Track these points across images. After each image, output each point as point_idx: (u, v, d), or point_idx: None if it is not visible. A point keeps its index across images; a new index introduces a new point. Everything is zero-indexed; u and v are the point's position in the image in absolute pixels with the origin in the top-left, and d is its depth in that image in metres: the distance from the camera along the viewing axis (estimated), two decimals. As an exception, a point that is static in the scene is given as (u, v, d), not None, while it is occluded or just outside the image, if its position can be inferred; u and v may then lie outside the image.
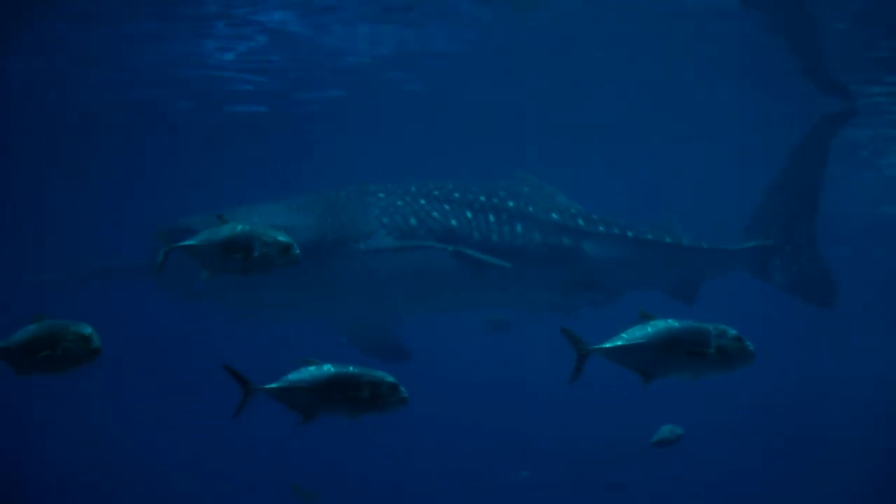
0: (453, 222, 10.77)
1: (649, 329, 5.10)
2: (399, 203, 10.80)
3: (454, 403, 19.37)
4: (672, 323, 5.08)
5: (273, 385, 5.73)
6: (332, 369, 5.74)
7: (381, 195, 10.87)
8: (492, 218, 10.95)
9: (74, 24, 13.15)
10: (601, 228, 11.56)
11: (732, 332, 5.04)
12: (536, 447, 18.87)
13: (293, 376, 5.76)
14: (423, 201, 10.83)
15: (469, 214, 10.88)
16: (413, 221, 10.65)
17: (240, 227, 6.46)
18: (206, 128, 19.01)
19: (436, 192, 10.98)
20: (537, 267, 11.14)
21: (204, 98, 17.20)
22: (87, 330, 5.70)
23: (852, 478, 17.51)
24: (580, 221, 11.46)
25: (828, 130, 12.49)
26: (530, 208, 11.23)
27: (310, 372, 5.75)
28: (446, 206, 10.85)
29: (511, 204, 11.14)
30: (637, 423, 19.78)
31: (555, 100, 17.46)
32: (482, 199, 11.06)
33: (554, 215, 11.33)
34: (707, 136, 19.83)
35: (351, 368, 5.76)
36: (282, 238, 6.43)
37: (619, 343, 5.16)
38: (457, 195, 11.00)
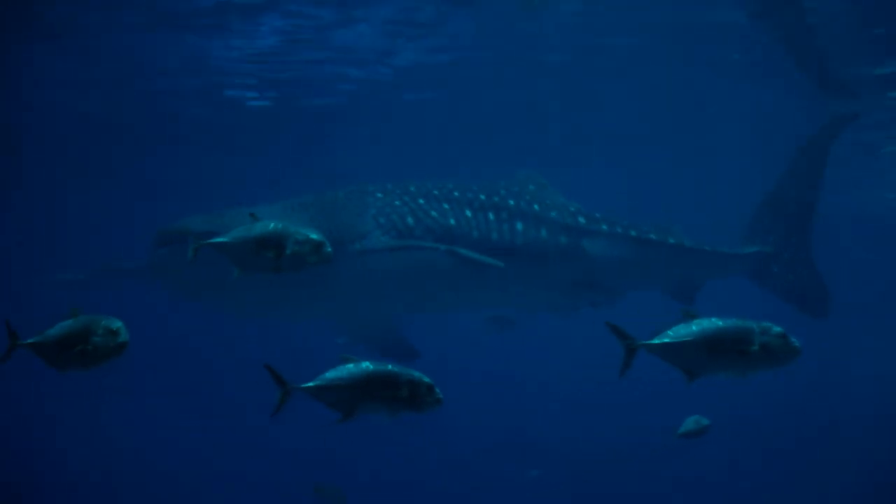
0: (451, 221, 10.67)
1: (694, 327, 5.14)
2: (396, 203, 10.69)
3: (463, 401, 19.38)
4: (716, 321, 5.11)
5: (311, 384, 5.70)
6: (371, 367, 5.73)
7: (379, 195, 10.78)
8: (491, 216, 10.86)
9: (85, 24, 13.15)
10: (603, 227, 11.49)
11: (777, 329, 5.07)
12: (544, 446, 18.90)
13: (331, 374, 5.73)
14: (421, 200, 10.73)
15: (468, 213, 10.78)
16: (410, 221, 10.54)
17: (272, 225, 6.47)
18: (219, 128, 18.96)
19: (435, 192, 10.89)
20: (538, 266, 11.05)
21: (215, 98, 17.19)
22: (117, 324, 5.71)
23: (852, 478, 17.58)
24: (581, 220, 11.39)
25: (826, 140, 12.47)
26: (534, 206, 11.16)
27: (348, 370, 5.73)
28: (445, 205, 10.75)
29: (512, 202, 11.06)
30: (640, 423, 19.93)
31: (564, 103, 17.50)
32: (482, 197, 10.96)
33: (555, 214, 11.26)
34: (713, 138, 19.94)
35: (390, 367, 5.75)
36: (314, 236, 6.42)
37: (666, 340, 5.19)
38: (456, 194, 10.91)
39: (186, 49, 14.47)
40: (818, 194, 12.29)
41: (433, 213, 10.67)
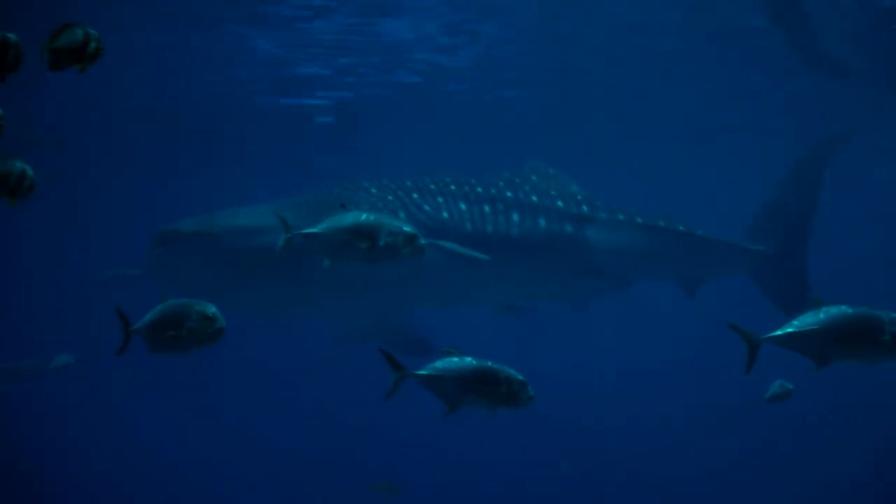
0: (444, 215, 10.52)
1: (821, 315, 5.13)
2: (389, 198, 10.51)
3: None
4: (845, 309, 5.11)
5: (423, 371, 5.83)
6: (474, 362, 5.84)
7: (374, 190, 10.61)
8: (487, 209, 10.72)
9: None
10: (603, 215, 11.37)
11: None
12: (567, 440, 18.83)
13: (441, 364, 5.86)
14: (415, 195, 10.57)
15: (463, 206, 10.64)
16: (402, 215, 10.32)
17: (364, 216, 6.48)
18: (277, 124, 18.82)
19: (431, 186, 10.74)
20: (537, 256, 10.94)
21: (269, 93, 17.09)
22: (211, 310, 5.70)
23: (851, 478, 17.73)
24: (584, 209, 11.25)
25: (824, 153, 12.61)
26: (532, 197, 11.05)
27: (455, 362, 5.85)
28: (439, 199, 10.61)
29: (509, 194, 10.94)
30: (651, 416, 20.00)
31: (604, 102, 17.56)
32: (479, 190, 10.82)
33: (556, 203, 11.11)
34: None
35: (489, 363, 5.85)
36: (407, 228, 6.42)
37: (790, 330, 5.20)
38: (453, 188, 10.78)
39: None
40: (816, 209, 12.44)
41: (426, 208, 10.52)
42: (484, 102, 17.49)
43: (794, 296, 12.14)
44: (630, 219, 11.52)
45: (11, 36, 4.35)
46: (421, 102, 17.40)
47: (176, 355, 5.81)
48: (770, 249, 12.23)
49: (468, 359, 5.86)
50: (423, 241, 6.43)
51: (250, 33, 13.90)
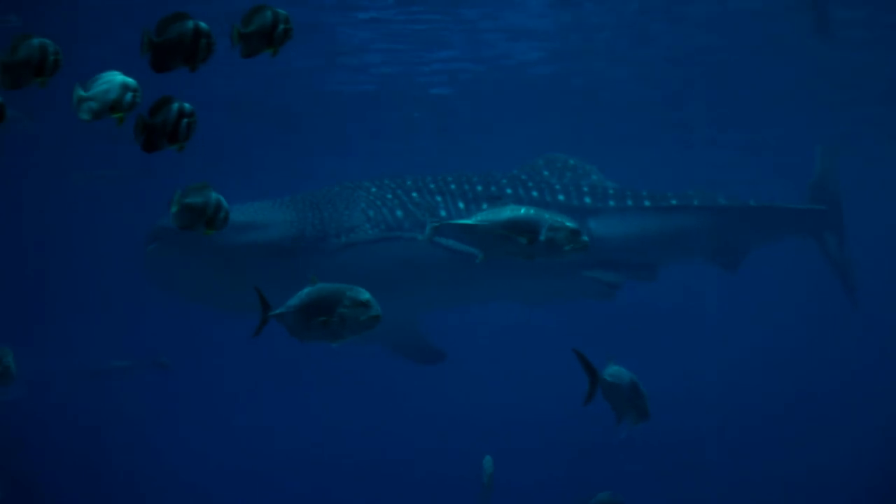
0: (443, 213, 10.40)
1: None
2: (388, 196, 10.43)
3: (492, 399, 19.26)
4: None
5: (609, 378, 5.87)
6: (620, 369, 5.97)
7: (373, 189, 10.52)
8: (485, 207, 10.35)
9: None
10: (611, 203, 11.18)
11: None
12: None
13: (615, 371, 5.92)
14: (415, 194, 10.49)
15: (461, 205, 10.53)
16: (399, 214, 10.28)
17: (523, 209, 6.17)
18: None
19: (431, 185, 10.65)
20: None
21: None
22: (365, 296, 5.41)
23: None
24: (588, 200, 11.10)
25: (830, 166, 12.73)
26: (533, 193, 10.90)
27: (625, 371, 5.97)
28: (438, 198, 10.53)
29: (509, 191, 10.82)
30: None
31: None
32: (479, 188, 10.72)
33: (557, 198, 10.96)
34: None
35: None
36: (569, 223, 6.09)
37: None
38: (453, 187, 10.69)
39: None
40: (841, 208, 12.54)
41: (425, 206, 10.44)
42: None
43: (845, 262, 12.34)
44: (641, 203, 11.32)
45: (203, 24, 4.25)
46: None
47: (325, 343, 5.52)
48: (829, 208, 12.37)
49: (623, 368, 5.94)
50: (586, 238, 6.09)
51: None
